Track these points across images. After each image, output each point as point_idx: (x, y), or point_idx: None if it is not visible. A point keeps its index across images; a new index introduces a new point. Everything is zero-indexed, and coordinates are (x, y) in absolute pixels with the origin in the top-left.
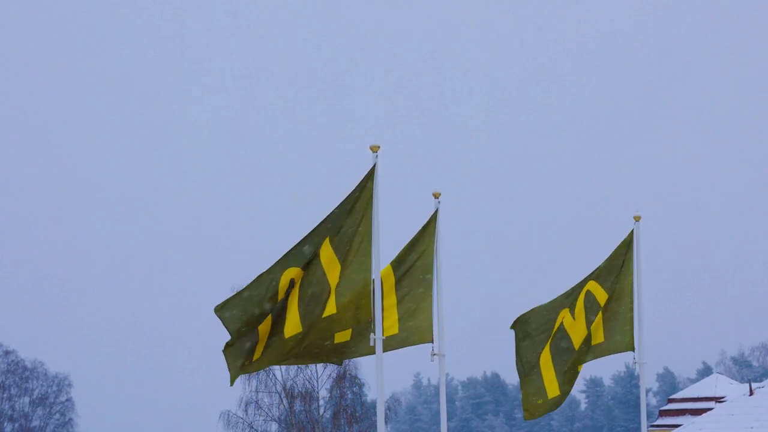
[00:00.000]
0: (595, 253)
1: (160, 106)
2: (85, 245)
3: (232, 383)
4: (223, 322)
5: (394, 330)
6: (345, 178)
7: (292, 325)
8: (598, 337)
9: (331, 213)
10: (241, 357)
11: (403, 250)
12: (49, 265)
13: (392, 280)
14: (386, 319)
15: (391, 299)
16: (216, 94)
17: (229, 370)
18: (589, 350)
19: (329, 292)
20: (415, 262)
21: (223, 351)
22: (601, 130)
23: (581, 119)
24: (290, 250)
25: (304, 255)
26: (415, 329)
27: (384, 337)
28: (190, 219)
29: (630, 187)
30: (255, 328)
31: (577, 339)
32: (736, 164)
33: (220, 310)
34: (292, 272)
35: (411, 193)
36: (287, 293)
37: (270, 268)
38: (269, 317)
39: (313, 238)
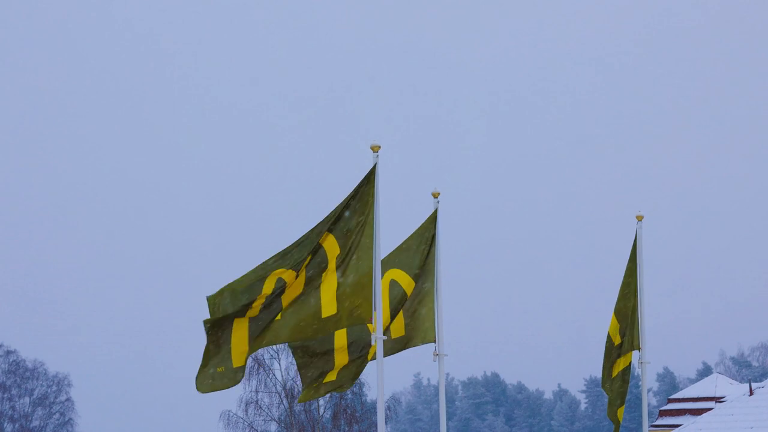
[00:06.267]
0: (595, 252)
1: (158, 106)
2: (85, 246)
3: (201, 390)
4: (211, 309)
5: (401, 332)
6: (345, 178)
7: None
8: (617, 338)
9: (330, 214)
10: (218, 362)
11: (399, 249)
12: (49, 266)
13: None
14: (394, 321)
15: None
16: (215, 94)
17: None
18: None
19: (330, 291)
20: (416, 263)
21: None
22: (601, 130)
23: (581, 119)
24: (283, 251)
25: (296, 257)
26: (418, 330)
27: (392, 339)
28: (190, 219)
29: (631, 186)
30: (229, 329)
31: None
32: (737, 164)
33: (214, 299)
34: (281, 273)
35: (411, 193)
36: (277, 294)
37: (258, 267)
38: (246, 320)
39: (311, 238)
